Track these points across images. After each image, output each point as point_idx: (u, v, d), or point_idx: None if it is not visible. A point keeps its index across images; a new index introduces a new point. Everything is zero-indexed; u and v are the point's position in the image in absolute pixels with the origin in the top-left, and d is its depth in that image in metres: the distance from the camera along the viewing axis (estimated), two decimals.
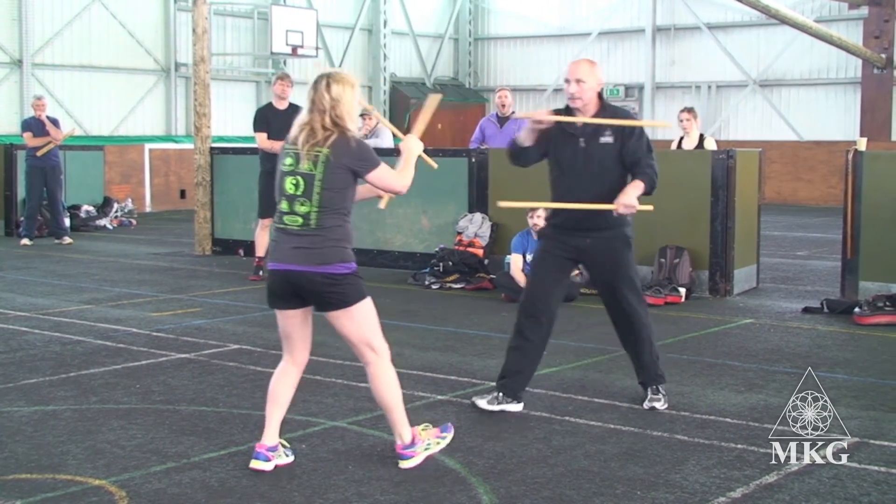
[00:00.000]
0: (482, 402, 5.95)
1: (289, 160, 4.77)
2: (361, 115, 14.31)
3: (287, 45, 23.29)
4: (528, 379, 6.07)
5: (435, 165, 5.72)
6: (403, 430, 4.92)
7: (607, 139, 5.89)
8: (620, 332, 6.21)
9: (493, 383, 6.21)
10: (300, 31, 23.55)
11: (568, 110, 6.00)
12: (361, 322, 4.82)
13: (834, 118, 25.64)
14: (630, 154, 5.87)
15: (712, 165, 10.19)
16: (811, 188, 24.29)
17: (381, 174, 4.84)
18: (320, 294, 4.76)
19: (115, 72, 22.66)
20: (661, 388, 6.08)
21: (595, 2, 28.96)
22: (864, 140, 10.20)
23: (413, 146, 5.10)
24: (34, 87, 20.91)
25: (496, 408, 5.92)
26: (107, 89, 22.55)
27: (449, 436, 5.10)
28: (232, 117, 23.81)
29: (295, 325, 4.91)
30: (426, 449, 4.96)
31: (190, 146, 17.78)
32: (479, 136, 12.12)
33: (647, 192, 5.88)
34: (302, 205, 4.71)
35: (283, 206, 4.77)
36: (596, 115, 5.90)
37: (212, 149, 13.87)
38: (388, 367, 4.90)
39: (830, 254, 13.60)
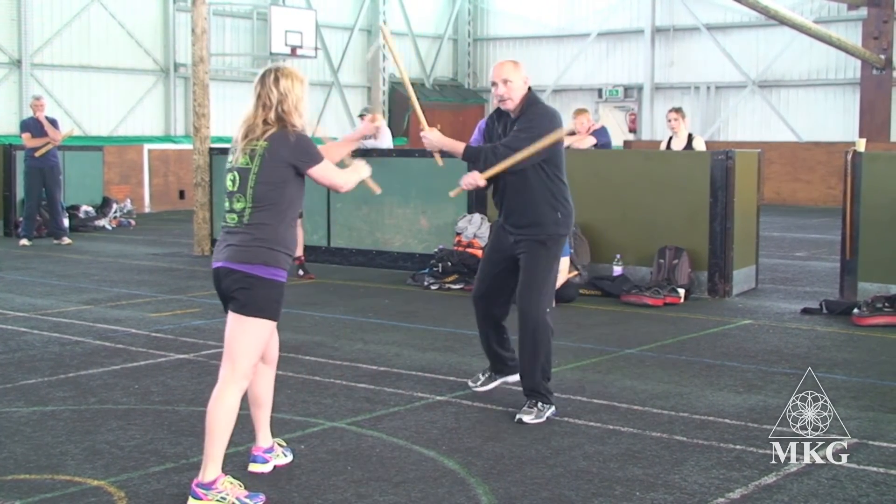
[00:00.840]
0: (477, 386, 6.37)
1: (230, 157, 4.63)
2: (361, 116, 14.34)
3: (286, 45, 23.29)
4: (500, 357, 6.32)
5: (378, 191, 5.35)
6: (210, 466, 4.44)
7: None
8: (518, 331, 5.99)
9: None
10: (299, 32, 23.56)
11: (500, 112, 6.09)
12: (243, 337, 4.50)
13: (833, 119, 25.65)
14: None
15: (711, 166, 10.18)
16: (810, 189, 24.29)
17: (323, 170, 4.60)
18: (230, 289, 4.50)
19: (114, 72, 22.65)
20: (539, 404, 5.79)
21: (594, 2, 28.96)
22: (863, 141, 10.20)
23: (361, 171, 4.89)
24: (33, 87, 20.90)
25: (492, 385, 6.35)
26: (106, 90, 22.53)
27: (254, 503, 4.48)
28: (231, 118, 23.78)
29: None
30: (220, 500, 4.40)
31: (189, 146, 17.78)
32: (479, 138, 12.06)
33: (465, 159, 5.90)
34: (238, 201, 4.53)
35: (225, 203, 4.62)
36: (519, 112, 5.91)
37: (211, 149, 13.86)
38: (234, 394, 4.50)
39: (829, 255, 13.61)
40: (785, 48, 26.07)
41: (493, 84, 5.96)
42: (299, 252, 11.17)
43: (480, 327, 6.32)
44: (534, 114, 5.87)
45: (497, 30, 30.91)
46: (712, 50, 27.10)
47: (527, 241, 5.91)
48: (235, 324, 4.52)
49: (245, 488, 4.54)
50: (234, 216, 4.56)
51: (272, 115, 4.54)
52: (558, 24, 29.53)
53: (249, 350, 4.52)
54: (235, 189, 4.55)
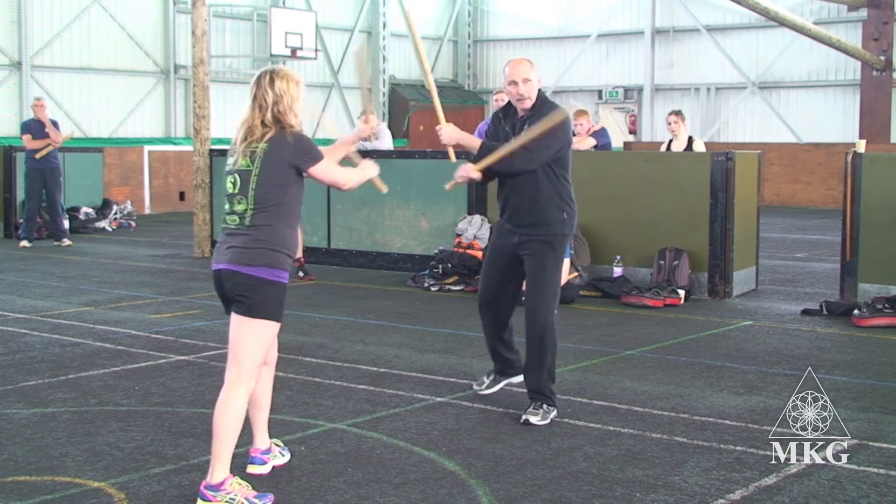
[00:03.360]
0: (482, 389, 6.34)
1: (230, 160, 4.66)
2: (360, 117, 14.33)
3: (286, 46, 23.31)
4: (505, 360, 6.29)
5: (385, 190, 5.47)
6: (218, 467, 4.44)
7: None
8: (526, 333, 5.99)
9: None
10: (299, 33, 23.57)
11: (512, 109, 6.02)
12: (249, 338, 4.52)
13: (833, 120, 25.66)
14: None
15: (711, 167, 10.19)
16: (810, 190, 24.29)
17: (324, 169, 4.64)
18: (233, 291, 4.52)
19: (114, 74, 22.66)
20: (544, 406, 5.80)
21: (594, 4, 28.97)
22: (863, 142, 10.20)
23: (369, 170, 4.93)
24: (33, 88, 20.91)
25: (497, 387, 6.32)
26: (106, 91, 22.54)
27: None
28: (231, 119, 23.78)
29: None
30: (228, 501, 4.41)
31: (189, 148, 17.78)
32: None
33: (481, 154, 5.79)
34: (239, 203, 4.56)
35: (226, 205, 4.64)
36: (531, 111, 5.87)
37: (211, 151, 13.87)
38: (242, 396, 4.52)
39: (829, 256, 13.61)
40: (785, 49, 26.08)
41: (512, 83, 5.84)
42: (299, 254, 11.19)
43: (487, 330, 6.25)
44: (549, 112, 5.81)
45: (497, 31, 30.92)
46: (712, 51, 27.11)
47: (533, 241, 5.85)
48: (240, 326, 4.54)
49: (253, 489, 4.54)
50: (236, 218, 4.57)
51: (269, 116, 4.56)
52: (558, 26, 29.54)
53: (255, 351, 4.54)
54: (236, 191, 4.57)
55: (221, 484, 4.43)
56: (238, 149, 4.59)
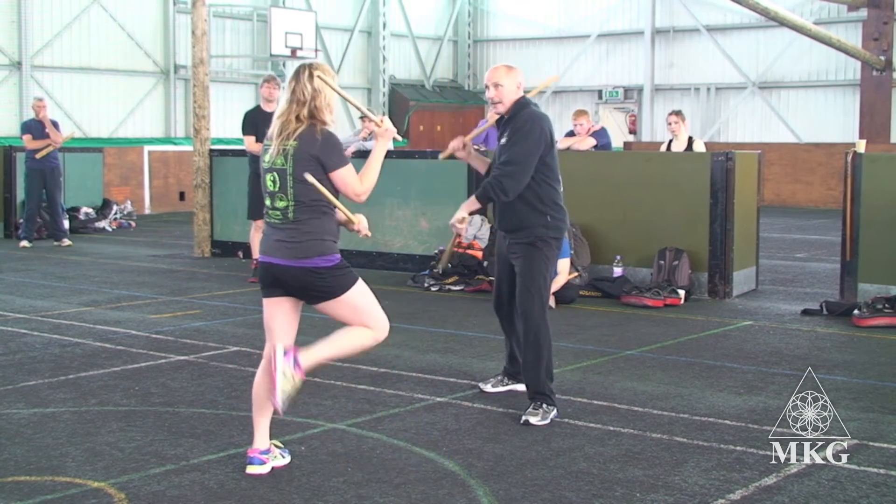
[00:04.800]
0: (487, 387, 6.39)
1: (267, 157, 4.78)
2: (361, 118, 14.34)
3: (286, 46, 23.30)
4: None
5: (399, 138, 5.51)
6: (310, 356, 4.76)
7: (503, 140, 5.96)
8: (520, 333, 6.10)
9: None
10: (299, 33, 23.56)
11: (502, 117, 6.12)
12: (353, 310, 4.83)
13: (833, 120, 25.66)
14: (498, 156, 5.96)
15: (711, 167, 10.19)
16: (810, 190, 24.30)
17: (346, 176, 4.75)
18: (304, 288, 4.76)
19: (114, 74, 22.66)
20: (543, 405, 5.80)
21: (594, 4, 28.97)
22: (864, 142, 10.20)
23: (387, 135, 4.98)
24: (33, 89, 20.91)
25: (502, 388, 6.35)
26: (106, 91, 22.54)
27: (286, 460, 5.02)
28: (231, 119, 23.77)
29: (280, 313, 4.84)
30: (273, 459, 4.94)
31: (189, 148, 17.78)
32: (479, 139, 12.13)
33: (482, 201, 5.96)
34: (280, 200, 4.73)
35: (267, 202, 4.81)
36: (506, 118, 5.97)
37: (211, 151, 13.87)
38: (365, 334, 4.86)
39: (829, 256, 13.61)
40: (785, 49, 26.08)
41: (486, 87, 6.03)
42: (258, 255, 11.09)
43: (505, 332, 6.37)
44: (519, 120, 5.88)
45: (497, 31, 30.92)
46: (712, 51, 27.11)
47: (517, 244, 5.98)
48: (335, 306, 4.80)
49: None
50: (279, 213, 4.75)
51: (305, 112, 4.71)
52: (558, 26, 29.54)
53: (366, 312, 4.85)
54: (277, 189, 4.73)
55: (259, 453, 4.87)
56: (274, 144, 4.74)
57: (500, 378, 6.44)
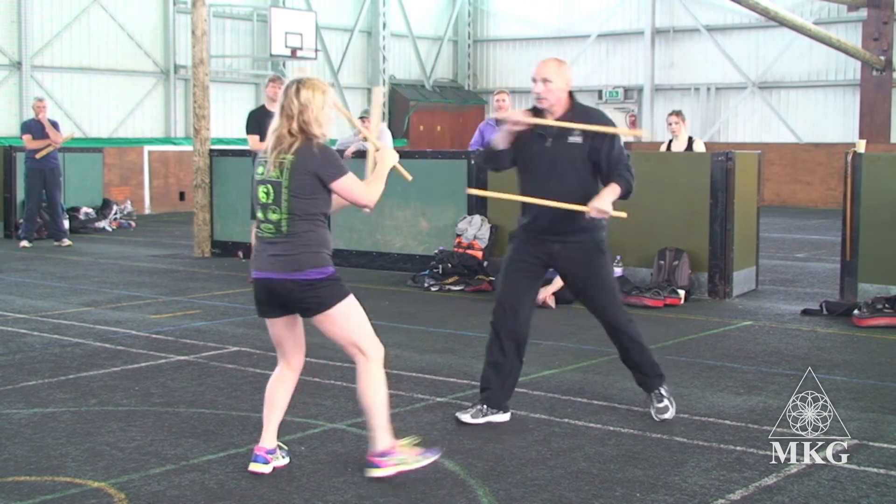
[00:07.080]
0: (466, 417, 5.74)
1: (260, 168, 4.77)
2: (361, 118, 14.34)
3: (286, 46, 23.29)
4: (511, 389, 5.85)
5: (409, 177, 5.39)
6: (379, 436, 4.79)
7: (576, 139, 5.64)
8: (609, 336, 5.98)
9: None
10: (299, 34, 23.56)
11: (537, 110, 5.76)
12: (342, 323, 4.77)
13: (833, 120, 25.65)
14: (604, 156, 5.62)
15: (711, 167, 10.19)
16: (810, 190, 24.30)
17: (347, 184, 4.74)
18: (297, 301, 4.73)
19: (114, 74, 22.66)
20: (662, 390, 5.82)
21: (594, 4, 28.97)
22: (863, 142, 10.20)
23: (388, 158, 4.96)
24: (33, 88, 20.91)
25: (481, 420, 5.72)
26: (106, 91, 22.54)
27: (431, 459, 4.88)
28: (231, 119, 23.80)
29: (282, 332, 4.90)
30: (399, 464, 4.77)
31: (189, 148, 17.78)
32: (479, 139, 12.11)
33: (624, 197, 5.62)
34: (273, 212, 4.71)
35: (259, 214, 4.79)
36: (565, 116, 5.67)
37: (211, 151, 13.87)
38: (372, 370, 4.79)
39: (829, 256, 13.61)
40: (785, 49, 26.07)
41: (533, 80, 5.68)
42: None
43: (501, 350, 5.75)
44: (594, 115, 5.74)
45: (497, 31, 30.91)
46: (712, 51, 27.10)
47: (579, 250, 5.68)
48: (326, 322, 4.76)
49: (421, 446, 4.95)
50: (272, 227, 4.73)
51: (295, 126, 4.69)
52: (558, 26, 29.53)
53: (355, 329, 4.79)
54: (270, 201, 4.71)
55: (388, 451, 4.77)
56: (269, 157, 4.72)
57: (479, 408, 5.78)
